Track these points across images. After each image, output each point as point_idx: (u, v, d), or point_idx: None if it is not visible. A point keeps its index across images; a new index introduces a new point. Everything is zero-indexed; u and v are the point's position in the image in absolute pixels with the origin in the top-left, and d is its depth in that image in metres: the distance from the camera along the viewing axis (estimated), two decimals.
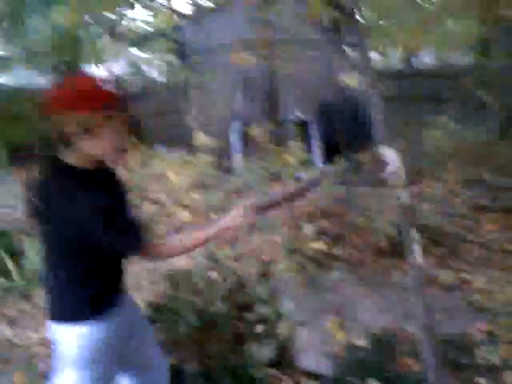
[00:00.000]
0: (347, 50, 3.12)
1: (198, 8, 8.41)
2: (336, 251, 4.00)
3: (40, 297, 3.61)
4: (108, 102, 1.58)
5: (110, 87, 1.60)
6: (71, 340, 1.71)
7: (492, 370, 2.60)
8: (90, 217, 1.53)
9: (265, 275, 3.69)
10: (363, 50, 2.08)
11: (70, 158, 1.62)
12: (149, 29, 18.44)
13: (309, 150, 7.56)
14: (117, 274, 1.82)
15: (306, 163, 5.18)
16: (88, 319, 1.69)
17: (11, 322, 3.53)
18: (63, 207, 1.54)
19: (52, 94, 1.59)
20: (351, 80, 5.33)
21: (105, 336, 1.73)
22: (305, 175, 5.85)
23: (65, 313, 1.72)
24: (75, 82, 1.63)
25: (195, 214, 4.35)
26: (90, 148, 1.59)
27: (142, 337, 1.99)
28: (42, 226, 1.66)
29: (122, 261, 1.82)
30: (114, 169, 1.82)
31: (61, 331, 1.72)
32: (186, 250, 1.78)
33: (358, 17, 2.09)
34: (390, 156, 2.08)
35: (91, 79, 1.61)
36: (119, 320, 1.79)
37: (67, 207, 1.53)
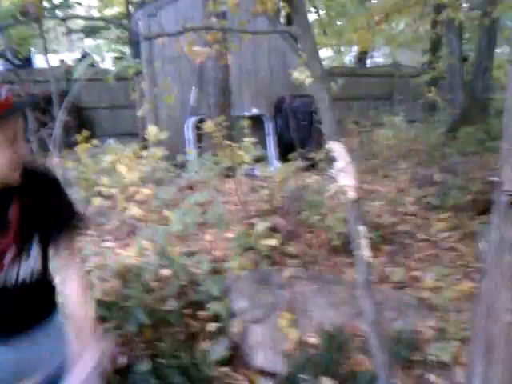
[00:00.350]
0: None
1: None
2: (289, 248, 4.01)
3: None
4: None
5: None
6: None
7: (442, 367, 2.66)
8: None
9: (217, 272, 3.66)
10: (309, 43, 2.06)
11: None
12: (97, 16, 18.05)
13: (264, 146, 7.58)
14: None
15: (261, 160, 5.18)
16: None
17: None
18: None
19: None
20: (303, 76, 5.33)
21: None
22: (258, 172, 5.85)
23: None
24: None
25: (147, 210, 4.27)
26: None
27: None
28: None
29: None
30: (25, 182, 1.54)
31: None
32: None
33: (303, 6, 2.06)
34: (339, 152, 2.07)
35: None
36: None
37: None
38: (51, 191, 1.62)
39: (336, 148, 2.06)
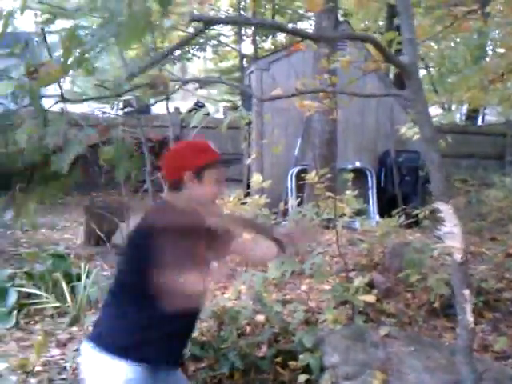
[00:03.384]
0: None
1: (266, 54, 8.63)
2: (386, 306, 3.93)
3: (90, 323, 3.70)
4: (217, 157, 1.92)
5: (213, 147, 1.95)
6: (105, 373, 1.75)
7: None
8: (169, 256, 1.64)
9: (311, 323, 3.66)
10: (421, 106, 2.09)
11: (175, 200, 1.89)
12: (214, 69, 19.10)
13: (365, 200, 7.51)
14: (175, 338, 1.88)
15: (361, 213, 5.15)
16: (131, 359, 1.74)
17: (61, 345, 3.63)
18: (152, 239, 1.68)
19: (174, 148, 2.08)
20: (411, 132, 5.31)
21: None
22: (358, 225, 5.81)
23: (112, 343, 1.77)
24: (191, 141, 2.14)
25: None
26: (197, 193, 1.87)
27: None
28: (125, 255, 1.93)
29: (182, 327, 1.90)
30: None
31: (97, 359, 1.77)
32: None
33: (416, 72, 2.10)
34: (447, 213, 2.05)
35: (201, 140, 2.02)
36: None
37: (154, 240, 1.67)
38: None
39: (444, 209, 2.05)
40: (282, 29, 2.52)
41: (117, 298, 1.85)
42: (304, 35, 2.28)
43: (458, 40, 10.95)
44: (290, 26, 15.21)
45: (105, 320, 1.86)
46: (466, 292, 2.07)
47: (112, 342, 1.77)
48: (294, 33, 2.27)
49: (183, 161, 1.87)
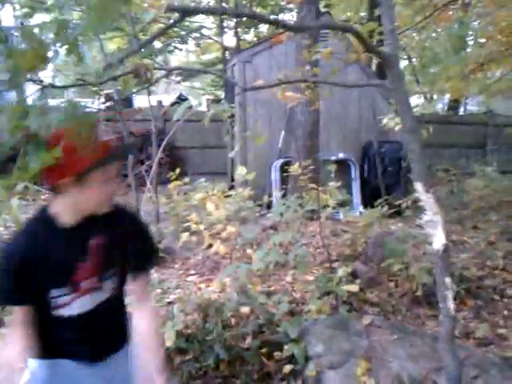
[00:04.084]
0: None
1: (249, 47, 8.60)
2: (369, 295, 3.97)
3: None
4: (103, 156, 1.52)
5: (106, 136, 1.57)
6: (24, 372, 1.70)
7: None
8: None
9: (295, 314, 3.68)
10: (402, 96, 2.11)
11: (57, 207, 1.61)
12: (197, 61, 19.02)
13: (349, 191, 7.56)
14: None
15: (345, 204, 5.18)
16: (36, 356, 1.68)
17: None
18: None
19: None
20: (392, 122, 5.35)
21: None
22: (341, 216, 5.84)
23: None
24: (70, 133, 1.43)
25: (231, 247, 4.39)
26: (78, 200, 1.56)
27: None
28: None
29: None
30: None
31: None
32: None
33: (397, 62, 2.11)
34: (428, 203, 2.07)
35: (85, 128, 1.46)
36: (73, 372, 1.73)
37: None
38: (138, 234, 1.80)
39: (425, 199, 2.07)
40: (261, 19, 2.48)
41: None
42: (284, 25, 2.27)
43: (440, 30, 11.00)
44: (271, 17, 15.18)
45: None
46: (448, 280, 2.10)
47: None
48: (273, 23, 2.24)
49: (60, 165, 1.39)
